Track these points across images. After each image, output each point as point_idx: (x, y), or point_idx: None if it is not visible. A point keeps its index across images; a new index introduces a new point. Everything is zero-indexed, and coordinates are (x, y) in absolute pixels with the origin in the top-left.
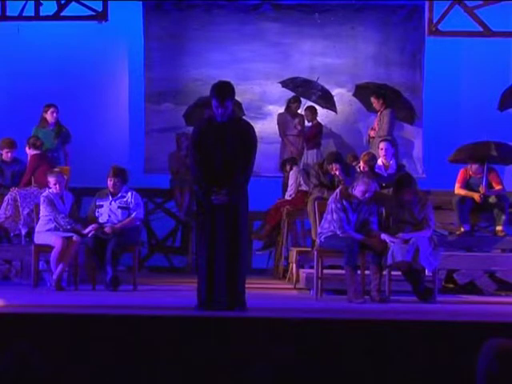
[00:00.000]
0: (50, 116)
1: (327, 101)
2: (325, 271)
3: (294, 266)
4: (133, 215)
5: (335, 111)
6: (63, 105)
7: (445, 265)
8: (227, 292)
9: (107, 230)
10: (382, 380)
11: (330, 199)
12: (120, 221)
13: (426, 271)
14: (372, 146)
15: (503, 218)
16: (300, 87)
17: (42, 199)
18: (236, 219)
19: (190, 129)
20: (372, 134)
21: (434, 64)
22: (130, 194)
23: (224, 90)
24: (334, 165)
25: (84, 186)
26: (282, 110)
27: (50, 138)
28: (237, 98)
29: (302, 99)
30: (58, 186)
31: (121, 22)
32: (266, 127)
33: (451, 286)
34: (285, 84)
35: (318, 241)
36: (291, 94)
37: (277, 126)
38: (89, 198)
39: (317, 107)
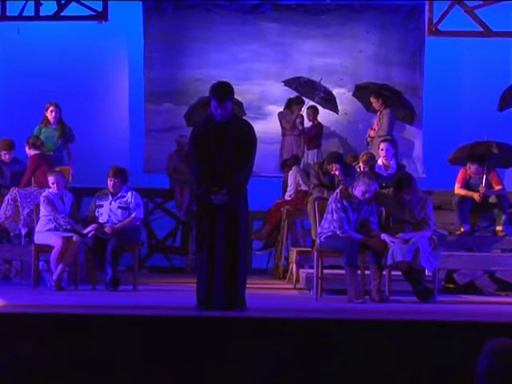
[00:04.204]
0: (49, 115)
1: (330, 102)
2: (325, 271)
3: (294, 265)
4: (133, 215)
5: (337, 113)
6: (63, 105)
7: (445, 265)
8: (227, 292)
9: (107, 229)
10: (381, 380)
11: (330, 199)
12: (120, 221)
13: (426, 271)
14: (372, 146)
15: (503, 217)
16: (303, 87)
17: (41, 199)
18: (236, 219)
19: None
20: (372, 134)
21: (434, 64)
22: (129, 193)
23: (223, 91)
24: (333, 165)
25: (84, 186)
26: (281, 109)
27: (53, 137)
28: (237, 97)
29: (304, 100)
30: (56, 185)
31: (121, 22)
32: (265, 127)
33: (451, 286)
34: (288, 83)
35: (318, 241)
36: (291, 93)
37: (278, 125)
38: (89, 198)
39: (318, 107)
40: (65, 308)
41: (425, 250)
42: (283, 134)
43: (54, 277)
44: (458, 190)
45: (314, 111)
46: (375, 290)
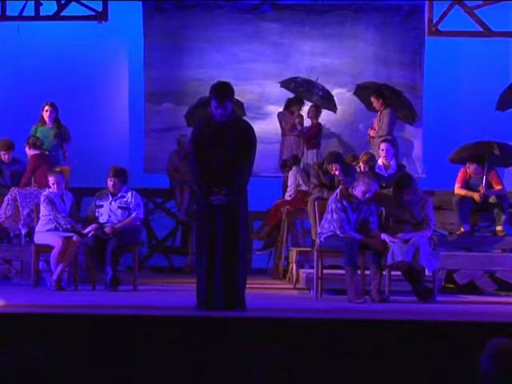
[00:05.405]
0: (45, 115)
1: (328, 101)
2: (325, 271)
3: (294, 265)
4: (133, 215)
5: (335, 111)
6: (63, 105)
7: (445, 265)
8: (227, 292)
9: (107, 229)
10: (381, 380)
11: (330, 199)
12: (120, 221)
13: (426, 271)
14: (372, 145)
15: (503, 217)
16: (301, 87)
17: (42, 198)
18: (236, 219)
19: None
20: (372, 133)
21: (434, 64)
22: (129, 194)
23: (223, 91)
24: (333, 165)
25: (84, 186)
26: (281, 109)
27: (49, 136)
28: (237, 97)
29: (304, 101)
30: (56, 185)
31: (121, 22)
32: (265, 127)
33: (451, 286)
34: (285, 84)
35: (317, 241)
36: (291, 93)
37: (278, 125)
38: (89, 198)
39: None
40: (65, 308)
41: (425, 249)
42: (283, 134)
43: (54, 277)
44: (458, 189)
45: (317, 110)
46: (375, 289)
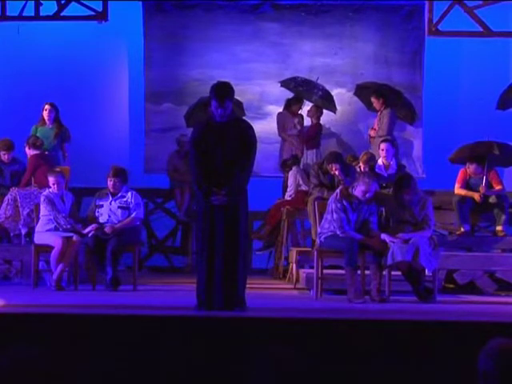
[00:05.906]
0: (45, 114)
1: (328, 101)
2: (325, 271)
3: (294, 265)
4: (133, 215)
5: (335, 112)
6: (63, 105)
7: (445, 265)
8: (227, 292)
9: (107, 229)
10: (381, 380)
11: (330, 199)
12: (120, 221)
13: (426, 271)
14: (372, 145)
15: (503, 217)
16: (301, 87)
17: (42, 198)
18: (236, 219)
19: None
20: (372, 133)
21: (434, 64)
22: (129, 193)
23: (223, 91)
24: (333, 165)
25: (84, 185)
26: (281, 109)
27: (49, 136)
28: (237, 97)
29: (304, 101)
30: (56, 186)
31: (121, 22)
32: (265, 127)
33: (451, 286)
34: (285, 84)
35: (318, 241)
36: (291, 93)
37: (276, 126)
38: (89, 198)
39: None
40: (65, 308)
41: (425, 249)
42: (280, 134)
43: (54, 277)
44: (458, 190)
45: (318, 110)
46: (375, 289)
